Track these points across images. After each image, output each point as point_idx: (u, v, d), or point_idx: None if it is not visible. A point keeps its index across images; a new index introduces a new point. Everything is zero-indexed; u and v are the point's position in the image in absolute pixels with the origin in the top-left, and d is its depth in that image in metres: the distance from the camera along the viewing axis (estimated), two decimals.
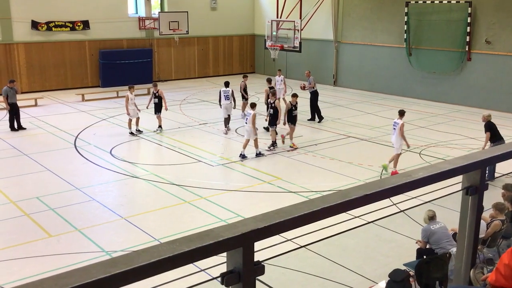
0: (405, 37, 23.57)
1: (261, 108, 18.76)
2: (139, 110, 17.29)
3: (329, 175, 13.35)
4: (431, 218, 7.92)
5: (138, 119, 17.28)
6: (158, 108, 17.55)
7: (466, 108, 21.37)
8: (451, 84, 22.50)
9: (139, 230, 10.04)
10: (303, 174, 13.41)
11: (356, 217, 9.93)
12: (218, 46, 30.45)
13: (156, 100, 17.52)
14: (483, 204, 3.40)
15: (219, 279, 2.17)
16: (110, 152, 15.22)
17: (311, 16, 26.21)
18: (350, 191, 2.58)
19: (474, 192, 3.28)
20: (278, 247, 8.54)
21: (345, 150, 15.60)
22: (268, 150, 15.34)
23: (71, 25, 25.15)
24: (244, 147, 14.64)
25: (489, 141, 12.68)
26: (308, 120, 19.03)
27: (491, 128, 12.64)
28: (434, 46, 22.71)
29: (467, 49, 21.55)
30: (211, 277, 7.20)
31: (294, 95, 15.88)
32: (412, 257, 7.97)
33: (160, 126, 17.62)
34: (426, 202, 9.66)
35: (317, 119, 19.12)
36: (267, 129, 16.99)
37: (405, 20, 23.36)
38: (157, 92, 17.56)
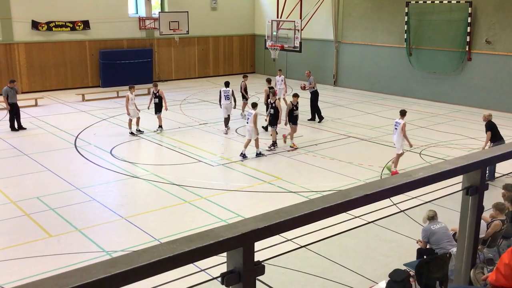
0: (405, 37, 23.57)
1: (261, 108, 18.76)
2: (138, 110, 17.29)
3: (329, 175, 13.35)
4: (432, 218, 7.92)
5: (138, 119, 17.29)
6: (158, 108, 17.55)
7: (466, 108, 21.37)
8: (452, 84, 22.50)
9: (139, 230, 10.04)
10: (304, 174, 13.41)
11: (356, 217, 9.93)
12: (219, 46, 30.46)
13: (157, 100, 17.52)
14: (484, 204, 3.40)
15: (219, 279, 2.17)
16: (111, 152, 15.22)
17: (311, 16, 26.21)
18: (350, 191, 2.58)
19: (474, 192, 3.28)
20: (278, 247, 8.54)
21: (345, 150, 15.60)
22: (268, 150, 15.34)
23: (71, 25, 25.16)
24: (246, 146, 14.65)
25: (489, 141, 12.69)
26: (308, 120, 19.03)
27: (491, 128, 12.64)
28: (435, 46, 22.71)
29: (467, 49, 21.55)
30: (211, 277, 7.20)
31: (295, 95, 15.89)
32: (413, 257, 7.97)
33: (160, 126, 17.62)
34: (426, 202, 9.65)
35: (317, 119, 19.12)
36: (266, 129, 16.99)
37: (406, 20, 23.35)
38: (158, 92, 17.57)
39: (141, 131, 17.32)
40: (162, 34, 26.42)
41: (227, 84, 18.00)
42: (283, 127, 16.13)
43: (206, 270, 7.42)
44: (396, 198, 10.21)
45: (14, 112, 17.71)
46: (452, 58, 22.13)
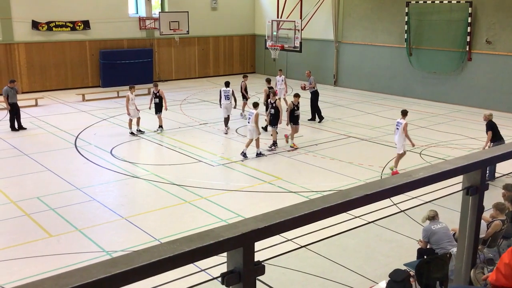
0: (405, 37, 23.57)
1: (261, 108, 18.73)
2: (138, 111, 17.29)
3: (329, 175, 13.35)
4: (432, 218, 7.92)
5: (138, 119, 17.28)
6: (158, 108, 17.54)
7: (467, 108, 21.37)
8: (452, 84, 22.50)
9: (139, 230, 10.04)
10: (304, 174, 13.41)
11: (356, 217, 9.92)
12: (219, 46, 30.46)
13: (157, 100, 17.52)
14: (484, 204, 3.40)
15: (220, 279, 2.17)
16: (111, 152, 15.22)
17: (311, 16, 26.21)
18: (350, 191, 2.58)
19: (474, 192, 3.28)
20: (279, 247, 8.53)
21: (346, 150, 15.60)
22: (269, 150, 15.35)
23: (71, 25, 25.16)
24: (247, 146, 14.67)
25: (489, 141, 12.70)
26: (308, 120, 19.03)
27: (492, 128, 12.64)
28: (435, 46, 22.70)
29: (467, 49, 21.54)
30: (211, 277, 7.20)
31: (296, 95, 15.91)
32: (413, 257, 7.97)
33: (161, 126, 17.61)
34: (427, 202, 9.65)
35: (317, 119, 19.12)
36: (265, 129, 17.00)
37: (406, 20, 23.35)
38: (158, 92, 17.56)
39: (141, 131, 17.32)
40: (162, 34, 26.42)
41: (227, 84, 18.00)
42: (283, 127, 16.13)
43: (206, 270, 7.42)
44: (396, 198, 10.21)
45: (14, 112, 17.72)
46: (452, 58, 22.13)
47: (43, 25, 24.42)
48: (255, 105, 14.93)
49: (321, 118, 19.15)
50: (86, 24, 25.53)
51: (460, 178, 3.36)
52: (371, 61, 25.47)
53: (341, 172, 13.54)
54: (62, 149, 15.55)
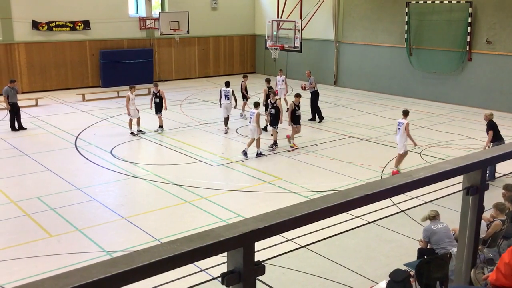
0: (405, 37, 23.57)
1: (261, 108, 18.74)
2: (138, 111, 17.28)
3: (329, 175, 13.35)
4: (433, 218, 7.91)
5: (138, 119, 17.28)
6: (159, 108, 17.52)
7: (467, 108, 21.37)
8: (452, 84, 22.49)
9: (139, 230, 10.04)
10: (304, 174, 13.41)
11: (356, 217, 9.92)
12: (219, 46, 30.46)
13: (157, 100, 17.50)
14: (484, 204, 3.40)
15: (220, 279, 2.17)
16: (111, 152, 15.22)
17: (311, 16, 26.20)
18: (350, 191, 2.58)
19: (474, 192, 3.28)
20: (279, 247, 8.53)
21: (346, 150, 15.60)
22: (270, 150, 15.35)
23: (71, 25, 25.16)
24: (249, 145, 14.70)
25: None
26: (308, 120, 19.03)
27: (493, 127, 12.64)
28: (435, 46, 22.70)
29: (467, 49, 21.54)
30: (211, 277, 7.19)
31: (297, 95, 15.93)
32: (413, 257, 7.96)
33: (161, 126, 17.60)
34: (427, 202, 9.65)
35: (317, 119, 19.12)
36: (265, 129, 17.01)
37: (406, 20, 23.35)
38: (158, 92, 17.55)
39: (142, 132, 17.30)
40: (162, 34, 26.42)
41: (227, 84, 18.02)
42: (283, 127, 16.13)
43: (206, 270, 7.41)
44: (396, 198, 10.21)
45: (15, 112, 17.72)
46: (453, 58, 22.13)
47: (43, 25, 24.42)
48: (256, 104, 14.95)
49: (321, 118, 19.14)
50: (86, 24, 25.53)
51: (460, 178, 3.35)
52: (371, 61, 25.47)
53: (341, 172, 13.54)
54: (62, 149, 15.56)
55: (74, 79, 25.71)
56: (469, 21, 21.23)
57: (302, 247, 8.81)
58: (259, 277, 2.21)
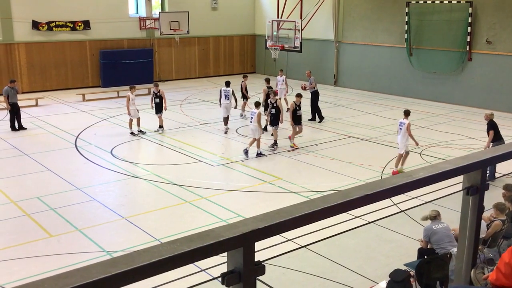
0: (405, 37, 23.57)
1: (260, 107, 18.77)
2: (137, 111, 17.27)
3: (329, 175, 13.35)
4: (434, 217, 7.91)
5: (138, 119, 17.26)
6: (159, 108, 17.48)
7: (467, 108, 21.37)
8: (452, 84, 22.49)
9: (139, 230, 10.04)
10: (304, 174, 13.41)
11: (356, 217, 9.92)
12: (219, 46, 30.46)
13: (157, 100, 17.48)
14: (484, 204, 3.40)
15: (220, 279, 2.16)
16: (111, 152, 15.22)
17: (311, 16, 26.20)
18: (350, 191, 2.58)
19: (474, 192, 3.28)
20: (279, 247, 8.53)
21: (346, 150, 15.60)
22: (271, 149, 15.35)
23: (71, 25, 25.17)
24: (250, 144, 14.72)
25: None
26: (308, 120, 19.02)
27: (493, 127, 12.65)
28: (435, 46, 22.70)
29: (467, 49, 21.54)
30: (211, 277, 7.19)
31: (298, 95, 15.94)
32: (413, 257, 7.96)
33: (161, 126, 17.57)
34: (427, 202, 9.65)
35: (317, 119, 19.12)
36: (264, 128, 17.01)
37: (406, 20, 23.35)
38: (158, 92, 17.52)
39: (143, 132, 17.29)
40: (162, 34, 26.42)
41: (227, 84, 18.02)
42: (283, 127, 16.13)
43: (206, 270, 7.41)
44: (396, 198, 10.21)
45: (15, 112, 17.72)
46: (453, 58, 22.13)
47: (44, 25, 24.42)
48: (257, 104, 14.99)
49: (321, 118, 19.15)
50: (86, 24, 25.53)
51: (460, 178, 3.35)
52: (371, 61, 25.47)
53: (341, 172, 13.54)
54: (62, 149, 15.56)
55: (74, 79, 25.71)
56: (469, 21, 21.23)
57: (302, 247, 8.81)
58: (259, 277, 2.21)
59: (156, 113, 17.55)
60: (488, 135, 12.74)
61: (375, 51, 25.24)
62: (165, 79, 28.22)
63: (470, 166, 3.15)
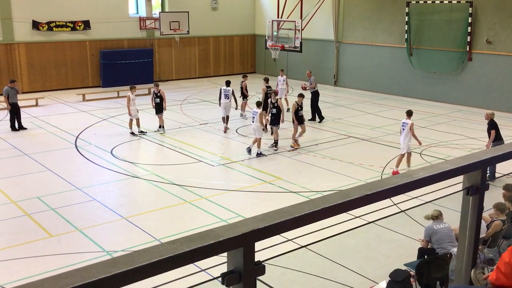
0: (406, 37, 23.57)
1: None
2: (137, 111, 17.26)
3: (329, 175, 13.35)
4: (436, 217, 7.92)
5: (138, 120, 17.22)
6: (159, 109, 17.41)
7: (467, 108, 21.37)
8: (452, 84, 22.49)
9: (139, 230, 10.04)
10: (304, 174, 13.41)
11: (356, 217, 9.92)
12: (219, 46, 30.46)
13: (158, 100, 17.45)
14: (484, 204, 3.40)
15: (220, 279, 2.16)
16: (111, 152, 15.22)
17: (311, 16, 26.21)
18: (351, 191, 2.58)
19: (474, 192, 3.28)
20: (279, 247, 8.53)
21: (346, 150, 15.60)
22: (274, 149, 15.35)
23: (72, 25, 25.17)
24: (253, 143, 14.74)
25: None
26: (308, 120, 19.00)
27: (495, 127, 12.65)
28: (435, 46, 22.70)
29: (468, 49, 21.54)
30: (211, 277, 7.19)
31: (301, 95, 15.96)
32: (413, 257, 7.96)
33: (162, 127, 17.53)
34: (427, 202, 9.65)
35: (317, 119, 19.12)
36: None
37: (406, 20, 23.35)
38: (159, 92, 17.49)
39: (144, 132, 17.27)
40: (162, 34, 26.42)
41: (228, 83, 18.03)
42: (283, 127, 16.13)
43: (206, 270, 7.41)
44: (396, 198, 10.21)
45: (15, 112, 17.72)
46: (453, 58, 22.13)
47: (44, 25, 24.43)
48: (259, 104, 15.02)
49: (321, 118, 19.14)
50: (86, 24, 25.54)
51: (460, 178, 3.35)
52: (372, 61, 25.47)
53: (341, 172, 13.54)
54: (63, 149, 15.56)
55: (74, 79, 25.72)
56: (469, 21, 21.23)
57: (302, 247, 8.81)
58: (259, 277, 2.21)
59: (156, 113, 17.52)
60: (489, 134, 12.74)
61: (375, 51, 25.24)
62: (165, 79, 28.22)
63: (470, 166, 3.15)
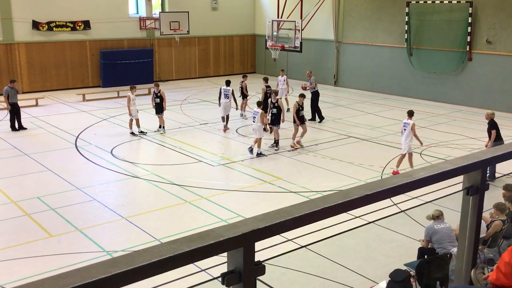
0: (406, 37, 23.57)
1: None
2: (137, 111, 17.26)
3: (329, 175, 13.35)
4: (437, 217, 7.92)
5: (137, 120, 17.20)
6: (159, 109, 17.39)
7: (467, 108, 21.37)
8: (452, 84, 22.49)
9: (139, 230, 10.04)
10: (304, 174, 13.41)
11: (356, 217, 9.92)
12: (219, 46, 30.46)
13: (158, 100, 17.44)
14: (484, 204, 3.39)
15: (220, 279, 2.16)
16: (111, 152, 15.22)
17: (311, 16, 26.20)
18: (351, 191, 2.58)
19: (475, 192, 3.28)
20: (279, 247, 8.53)
21: (346, 150, 15.60)
22: (275, 149, 15.35)
23: (72, 25, 25.17)
24: (255, 142, 14.74)
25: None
26: (308, 120, 18.99)
27: (495, 126, 12.66)
28: (435, 46, 22.70)
29: (468, 49, 21.54)
30: (211, 277, 7.18)
31: (302, 95, 15.97)
32: (413, 257, 7.97)
33: (163, 127, 17.51)
34: (427, 202, 9.65)
35: (317, 119, 19.12)
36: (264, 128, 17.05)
37: (406, 20, 23.35)
38: (159, 92, 17.47)
39: (144, 133, 17.26)
40: (162, 34, 26.42)
41: (227, 83, 18.03)
42: (283, 126, 16.12)
43: (206, 270, 7.41)
44: (396, 198, 10.21)
45: (15, 112, 17.72)
46: (453, 58, 22.13)
47: (44, 25, 24.43)
48: (259, 104, 15.03)
49: (321, 118, 19.15)
50: (86, 24, 25.53)
51: (460, 178, 3.35)
52: (372, 61, 25.47)
53: (341, 172, 13.54)
54: (63, 149, 15.56)
55: (74, 79, 25.72)
56: (469, 21, 21.23)
57: (302, 247, 8.81)
58: (259, 277, 2.21)
59: (157, 113, 17.51)
60: (490, 134, 12.74)
61: (375, 51, 25.24)
62: (165, 79, 28.22)
63: (470, 166, 3.14)
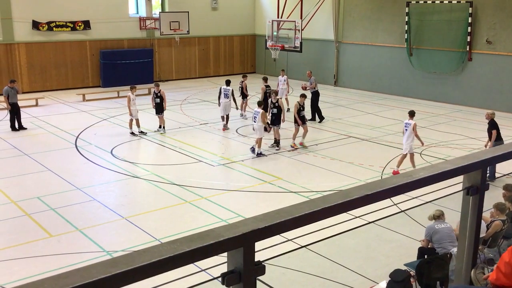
0: (406, 37, 23.57)
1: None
2: (137, 111, 17.26)
3: (329, 175, 13.35)
4: (438, 217, 7.93)
5: (137, 120, 17.20)
6: (159, 109, 17.38)
7: (467, 108, 21.37)
8: (452, 84, 22.49)
9: (140, 230, 10.04)
10: (304, 174, 13.41)
11: (357, 217, 9.92)
12: (219, 46, 30.46)
13: (158, 100, 17.43)
14: (484, 204, 3.39)
15: (220, 279, 2.16)
16: (111, 152, 15.22)
17: (311, 16, 26.20)
18: (351, 191, 2.58)
19: (475, 192, 3.28)
20: (279, 247, 8.52)
21: (346, 150, 15.60)
22: (276, 149, 15.35)
23: (72, 25, 25.17)
24: (256, 142, 14.74)
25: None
26: (308, 120, 18.99)
27: (496, 126, 12.66)
28: (435, 46, 22.70)
29: (468, 49, 21.54)
30: (211, 277, 7.18)
31: (303, 96, 15.97)
32: (413, 257, 7.96)
33: (163, 127, 17.50)
34: (427, 202, 9.65)
35: (317, 119, 19.12)
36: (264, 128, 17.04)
37: (406, 20, 23.35)
38: (159, 92, 17.46)
39: (144, 133, 17.25)
40: (162, 34, 26.42)
41: (228, 83, 18.03)
42: (284, 126, 16.12)
43: (206, 270, 7.41)
44: (396, 198, 10.21)
45: (15, 112, 17.72)
46: (453, 58, 22.13)
47: (44, 25, 24.42)
48: (260, 104, 15.04)
49: (321, 118, 19.14)
50: (86, 24, 25.53)
51: (460, 178, 3.35)
52: (372, 61, 25.47)
53: (341, 172, 13.54)
54: (63, 149, 15.56)
55: (74, 79, 25.72)
56: (469, 21, 21.23)
57: (302, 247, 8.81)
58: (259, 277, 2.21)
59: (157, 113, 17.50)
60: (490, 134, 12.73)
61: (375, 51, 25.24)
62: (165, 79, 28.22)
63: (470, 166, 3.14)
